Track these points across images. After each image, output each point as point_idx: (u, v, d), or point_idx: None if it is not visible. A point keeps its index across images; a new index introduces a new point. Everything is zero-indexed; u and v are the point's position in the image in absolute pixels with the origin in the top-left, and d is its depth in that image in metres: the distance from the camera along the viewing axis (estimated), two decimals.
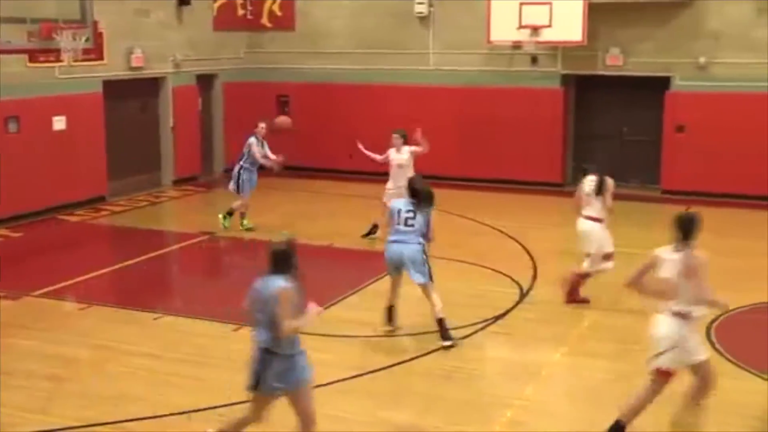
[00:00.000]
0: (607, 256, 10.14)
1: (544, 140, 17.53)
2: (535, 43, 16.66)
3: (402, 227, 8.89)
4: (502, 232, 13.91)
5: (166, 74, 17.76)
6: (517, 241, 13.34)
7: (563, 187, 17.47)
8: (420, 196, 8.95)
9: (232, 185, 14.04)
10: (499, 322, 9.76)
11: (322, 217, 15.12)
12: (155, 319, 9.83)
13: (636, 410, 6.65)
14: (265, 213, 14.66)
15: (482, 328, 9.50)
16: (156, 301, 10.83)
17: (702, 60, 16.48)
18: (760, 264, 11.82)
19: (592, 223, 10.07)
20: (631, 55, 16.91)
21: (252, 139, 13.89)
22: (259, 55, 19.73)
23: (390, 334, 9.23)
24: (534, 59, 17.53)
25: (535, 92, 17.49)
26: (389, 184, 12.86)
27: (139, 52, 16.85)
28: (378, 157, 13.17)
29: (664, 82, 16.82)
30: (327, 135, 18.57)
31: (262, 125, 14.01)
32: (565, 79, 17.57)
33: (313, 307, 5.95)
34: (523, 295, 10.70)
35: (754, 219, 15.06)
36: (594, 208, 10.06)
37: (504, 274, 11.50)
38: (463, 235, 13.76)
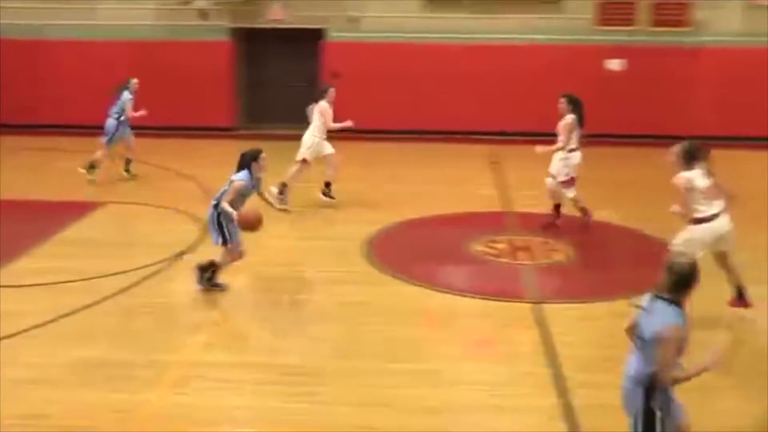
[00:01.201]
0: None
1: (216, 89, 17.47)
2: None
3: None
4: (181, 173, 13.77)
5: None
6: (196, 182, 13.29)
7: (237, 130, 17.66)
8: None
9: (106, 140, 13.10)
10: (186, 257, 9.74)
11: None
12: None
13: None
14: None
15: (169, 264, 9.43)
16: None
17: (353, 13, 17.22)
18: (403, 188, 12.84)
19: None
20: (291, 9, 17.24)
21: (127, 95, 13.07)
22: None
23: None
24: (203, 14, 17.31)
25: (206, 45, 17.32)
26: (320, 138, 11.97)
27: None
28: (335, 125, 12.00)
29: (320, 34, 17.37)
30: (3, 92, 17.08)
31: (135, 80, 13.20)
32: (234, 32, 17.55)
33: (713, 355, 4.64)
34: (207, 230, 10.71)
35: (400, 150, 16.19)
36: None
37: (186, 213, 11.45)
38: (147, 180, 13.47)
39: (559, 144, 10.58)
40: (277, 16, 17.27)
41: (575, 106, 10.59)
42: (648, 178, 12.70)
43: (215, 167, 14.35)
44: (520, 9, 16.90)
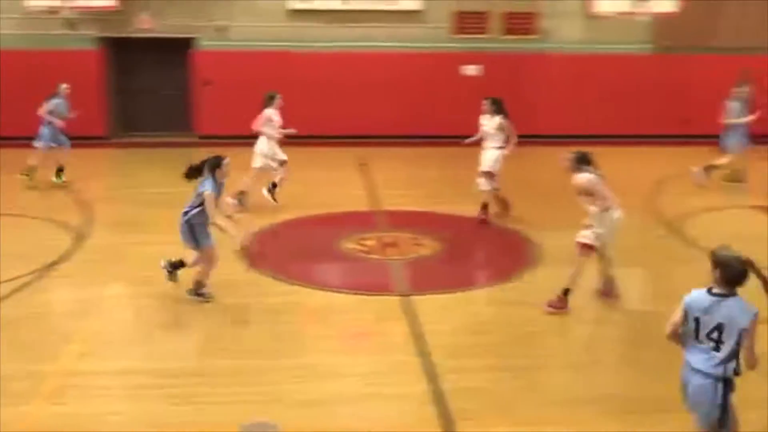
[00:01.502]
0: None
1: (87, 98, 16.71)
2: (71, 8, 15.86)
3: None
4: (54, 183, 13.17)
5: None
6: (69, 191, 12.74)
7: (110, 139, 17.02)
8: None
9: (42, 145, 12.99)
10: (60, 266, 9.30)
11: None
12: None
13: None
14: None
15: (41, 275, 8.97)
16: None
17: (221, 23, 16.93)
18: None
19: None
20: (160, 18, 16.77)
21: (56, 101, 12.98)
22: None
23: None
24: (70, 23, 16.58)
25: (75, 54, 16.58)
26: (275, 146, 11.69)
27: None
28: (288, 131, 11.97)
29: (190, 43, 16.99)
30: None
31: (65, 86, 13.13)
32: (103, 42, 16.90)
33: None
34: (80, 240, 10.30)
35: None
36: None
37: (58, 223, 10.94)
38: (19, 191, 12.80)
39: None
40: (145, 26, 16.76)
41: (499, 106, 10.88)
42: (505, 175, 13.08)
43: (88, 177, 13.91)
44: (384, 19, 17.10)
